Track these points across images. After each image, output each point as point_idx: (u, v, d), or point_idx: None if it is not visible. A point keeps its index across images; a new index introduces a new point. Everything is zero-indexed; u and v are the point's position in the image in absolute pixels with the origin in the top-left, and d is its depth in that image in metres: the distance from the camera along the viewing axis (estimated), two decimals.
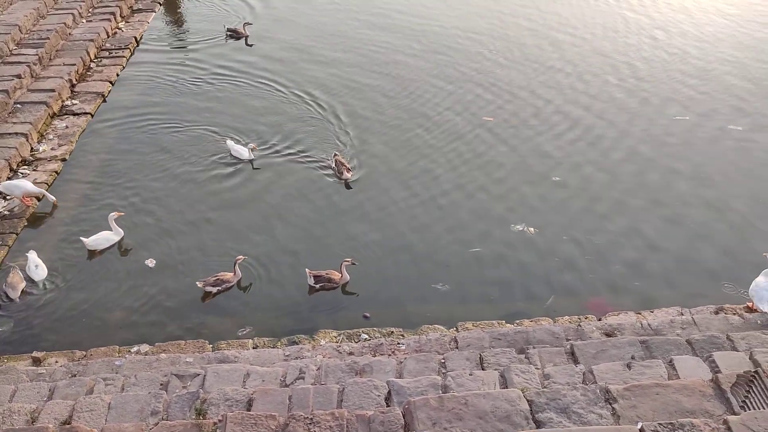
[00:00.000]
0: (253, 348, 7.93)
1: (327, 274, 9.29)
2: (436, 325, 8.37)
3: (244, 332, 8.53)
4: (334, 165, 11.46)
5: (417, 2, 19.14)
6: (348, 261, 9.31)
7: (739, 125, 12.54)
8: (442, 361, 6.78)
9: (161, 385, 6.63)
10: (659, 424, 4.65)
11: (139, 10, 18.73)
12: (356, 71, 15.45)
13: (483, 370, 6.51)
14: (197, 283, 9.20)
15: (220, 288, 9.28)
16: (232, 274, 9.36)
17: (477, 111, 13.53)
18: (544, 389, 5.49)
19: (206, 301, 9.16)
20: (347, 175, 11.24)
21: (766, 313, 7.61)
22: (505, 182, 11.33)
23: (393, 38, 17.01)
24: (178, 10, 19.27)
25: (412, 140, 12.66)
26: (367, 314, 8.84)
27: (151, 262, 9.73)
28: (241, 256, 9.49)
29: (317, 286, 9.27)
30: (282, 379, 6.61)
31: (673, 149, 12.02)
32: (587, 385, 5.69)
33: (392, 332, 8.19)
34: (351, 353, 7.50)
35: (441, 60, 15.83)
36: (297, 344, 7.97)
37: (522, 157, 11.96)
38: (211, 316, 8.99)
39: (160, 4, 19.27)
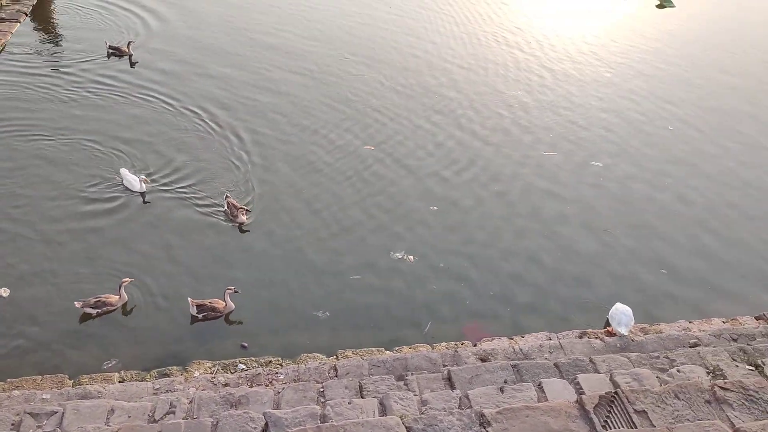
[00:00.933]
0: (120, 382, 7.42)
1: (210, 303, 8.96)
2: (315, 354, 8.26)
3: (110, 365, 7.98)
4: (226, 208, 10.88)
5: (313, 26, 19.16)
6: (231, 289, 9.04)
7: (601, 161, 13.52)
8: (321, 390, 6.69)
9: (12, 425, 6.04)
10: None
11: (2, 20, 17.42)
12: (252, 90, 15.16)
13: (362, 398, 6.48)
14: (75, 303, 8.64)
15: (100, 310, 8.75)
16: (117, 297, 8.87)
17: (371, 136, 13.69)
18: (422, 415, 5.56)
19: (84, 322, 8.65)
20: (242, 218, 10.69)
21: (624, 336, 8.17)
22: (387, 210, 11.48)
23: (288, 60, 16.86)
24: (51, 22, 18.06)
25: (303, 165, 12.54)
26: (245, 344, 8.57)
27: (5, 292, 8.91)
28: (127, 279, 9.02)
29: (200, 315, 8.91)
30: (150, 414, 6.23)
31: (547, 183, 12.69)
32: (463, 409, 5.81)
33: (270, 361, 7.98)
34: (226, 384, 7.22)
35: (337, 83, 15.89)
36: (168, 377, 7.55)
37: (400, 185, 12.19)
38: (72, 348, 8.35)
39: (26, 15, 18.03)
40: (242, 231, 10.66)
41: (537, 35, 19.86)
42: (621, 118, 15.42)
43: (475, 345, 8.44)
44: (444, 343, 8.53)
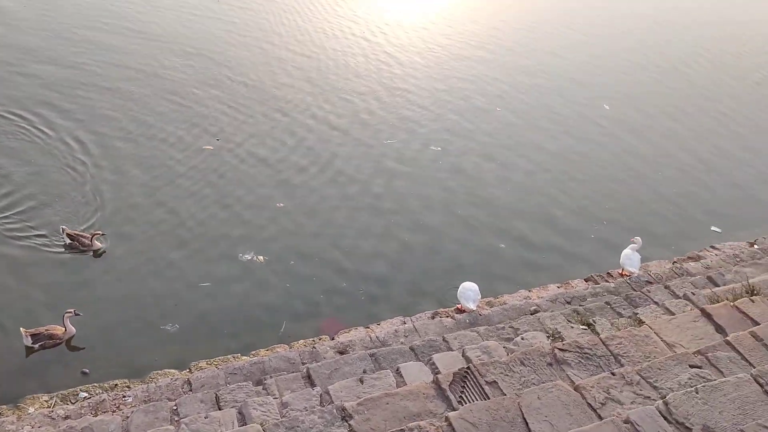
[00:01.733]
0: None
1: (47, 330, 8.18)
2: (167, 370, 7.81)
3: None
4: (69, 241, 9.72)
5: (145, 20, 17.93)
6: (71, 312, 8.30)
7: (440, 144, 14.04)
8: (174, 407, 6.32)
9: None
10: None
11: None
12: (84, 89, 14.04)
13: (220, 409, 6.21)
14: None
15: None
16: None
17: (220, 132, 13.20)
18: (283, 419, 5.42)
19: None
20: (98, 244, 9.73)
21: (473, 311, 8.54)
22: (234, 210, 11.13)
23: (122, 56, 15.80)
24: None
25: (148, 168, 11.81)
26: (86, 369, 7.92)
27: None
28: None
29: (36, 345, 8.10)
30: None
31: (393, 169, 12.94)
32: (324, 406, 5.75)
33: (116, 385, 7.41)
34: (67, 417, 6.60)
35: (182, 79, 15.15)
36: None
37: (246, 183, 11.87)
38: None
39: None
40: (96, 255, 9.78)
41: (379, 24, 20.22)
42: (458, 99, 16.11)
43: (333, 339, 8.42)
44: (302, 341, 8.42)
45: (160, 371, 7.75)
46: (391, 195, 12.20)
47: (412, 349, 7.24)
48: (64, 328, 8.30)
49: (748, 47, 22.86)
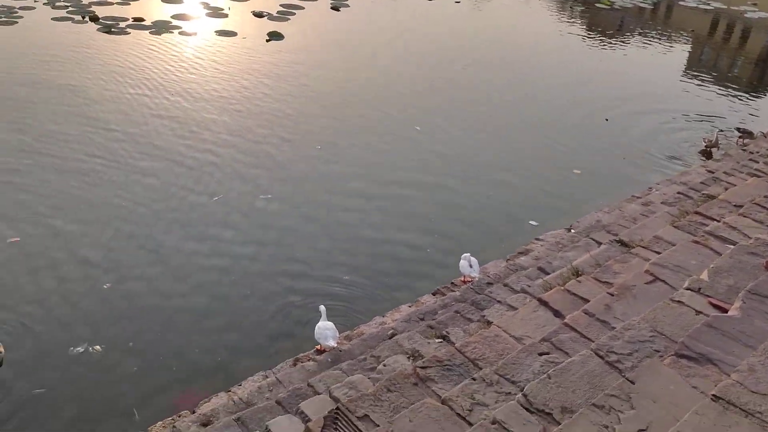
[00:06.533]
0: None
1: None
2: None
3: None
4: None
5: None
6: None
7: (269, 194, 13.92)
8: None
9: None
10: None
11: None
12: None
13: None
14: None
15: None
16: None
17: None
18: None
19: None
20: None
21: (334, 347, 8.46)
22: (55, 297, 10.15)
23: None
24: None
25: None
26: None
27: None
28: None
29: None
30: None
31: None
32: None
33: None
34: None
35: None
36: None
37: (65, 265, 10.92)
38: None
39: None
40: None
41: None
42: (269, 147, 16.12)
43: (194, 411, 7.92)
44: (159, 423, 7.83)
45: None
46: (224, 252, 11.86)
47: (278, 402, 7.00)
48: None
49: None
